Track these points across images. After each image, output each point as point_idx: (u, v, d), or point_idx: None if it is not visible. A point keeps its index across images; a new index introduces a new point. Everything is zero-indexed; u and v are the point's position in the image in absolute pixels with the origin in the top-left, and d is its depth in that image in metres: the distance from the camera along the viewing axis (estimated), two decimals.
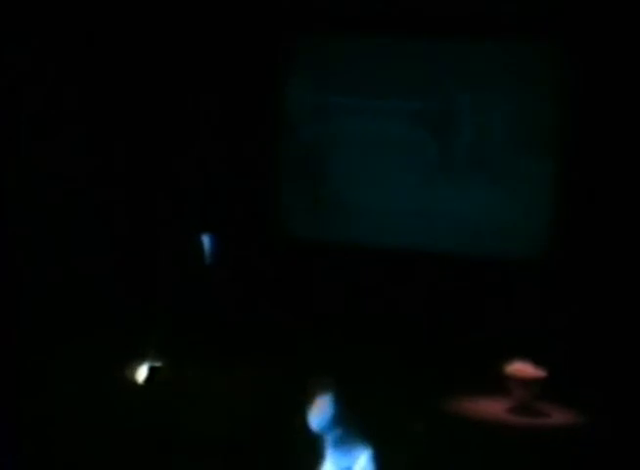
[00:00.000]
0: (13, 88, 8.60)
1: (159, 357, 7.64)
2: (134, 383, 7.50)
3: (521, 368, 7.90)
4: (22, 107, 8.78)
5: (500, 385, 7.91)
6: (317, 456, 5.54)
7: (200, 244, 9.87)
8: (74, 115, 9.47)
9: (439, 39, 9.48)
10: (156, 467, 6.22)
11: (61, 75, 9.32)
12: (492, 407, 7.84)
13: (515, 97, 9.40)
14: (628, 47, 8.79)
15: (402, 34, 9.51)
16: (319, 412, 5.23)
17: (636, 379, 8.08)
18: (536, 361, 7.87)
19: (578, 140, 9.08)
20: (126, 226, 9.87)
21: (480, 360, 8.10)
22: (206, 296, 9.52)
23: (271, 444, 6.55)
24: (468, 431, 7.18)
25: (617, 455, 6.75)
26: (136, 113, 9.81)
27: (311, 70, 9.94)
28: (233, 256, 9.88)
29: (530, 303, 9.02)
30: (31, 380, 6.93)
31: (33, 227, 8.84)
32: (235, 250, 9.90)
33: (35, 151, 8.98)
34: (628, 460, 6.66)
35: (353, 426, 5.52)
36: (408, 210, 9.73)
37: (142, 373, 7.56)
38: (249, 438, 6.67)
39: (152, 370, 7.55)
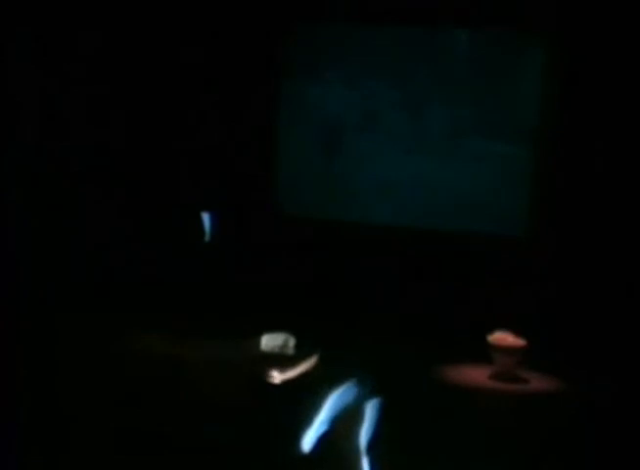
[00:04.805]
0: (13, 87, 8.78)
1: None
2: (138, 374, 7.58)
3: (501, 337, 8.38)
4: (22, 106, 8.95)
5: (482, 354, 8.37)
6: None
7: (200, 222, 10.27)
8: (75, 112, 9.77)
9: (437, 30, 9.94)
10: (160, 456, 6.50)
11: (61, 70, 9.60)
12: (475, 374, 8.32)
13: (504, 85, 9.85)
14: (617, 41, 9.18)
15: (399, 25, 9.92)
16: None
17: (612, 348, 8.56)
18: (517, 331, 8.35)
19: (562, 123, 9.51)
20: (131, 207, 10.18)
21: (462, 331, 8.53)
22: (206, 271, 9.90)
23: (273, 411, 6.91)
24: (451, 396, 7.64)
25: (594, 418, 7.22)
26: (137, 99, 10.14)
27: (310, 57, 10.33)
28: (232, 233, 10.24)
29: (511, 277, 9.45)
30: (31, 380, 6.89)
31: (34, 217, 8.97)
32: (234, 227, 10.27)
33: (35, 150, 9.17)
34: (605, 423, 7.12)
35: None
36: (397, 183, 10.17)
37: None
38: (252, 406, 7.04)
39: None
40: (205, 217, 10.40)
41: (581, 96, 9.39)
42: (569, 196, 9.49)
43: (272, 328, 8.72)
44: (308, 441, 6.05)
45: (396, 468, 6.09)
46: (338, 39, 10.17)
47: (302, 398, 6.47)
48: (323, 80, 10.28)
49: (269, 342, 8.57)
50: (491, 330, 8.34)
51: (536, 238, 9.62)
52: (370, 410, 6.17)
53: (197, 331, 8.74)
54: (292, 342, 8.48)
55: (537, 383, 8.25)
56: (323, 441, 6.05)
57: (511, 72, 9.80)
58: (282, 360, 6.68)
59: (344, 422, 6.14)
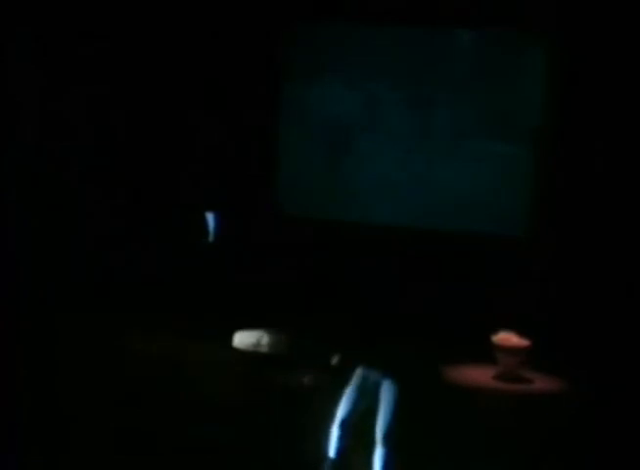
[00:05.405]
0: (13, 87, 8.79)
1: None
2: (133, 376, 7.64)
3: (506, 338, 8.38)
4: (22, 106, 8.97)
5: (483, 354, 8.38)
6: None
7: (201, 222, 10.30)
8: (75, 112, 9.78)
9: (437, 31, 9.96)
10: (160, 456, 6.48)
11: (61, 70, 9.62)
12: (477, 374, 8.33)
13: (505, 85, 9.85)
14: (617, 41, 9.18)
15: (399, 25, 9.94)
16: None
17: (613, 348, 8.57)
18: (519, 332, 8.36)
19: (563, 123, 9.52)
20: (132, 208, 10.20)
21: (462, 331, 8.53)
22: (206, 271, 9.93)
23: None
24: (453, 396, 7.64)
25: (596, 417, 7.23)
26: (137, 99, 10.15)
27: (310, 58, 10.31)
28: (232, 233, 10.27)
29: (512, 277, 9.45)
30: (31, 380, 6.99)
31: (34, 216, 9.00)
32: (234, 227, 10.29)
33: (35, 150, 9.21)
34: (605, 423, 7.13)
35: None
36: (397, 183, 10.15)
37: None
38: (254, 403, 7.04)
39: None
40: (206, 218, 10.43)
41: (581, 96, 9.39)
42: (569, 196, 9.48)
43: (272, 327, 8.76)
44: (328, 442, 6.10)
45: (398, 467, 6.10)
46: (338, 39, 10.17)
47: (306, 399, 6.50)
48: (323, 81, 10.27)
49: (243, 339, 8.59)
50: (492, 330, 8.34)
51: (536, 238, 9.62)
52: (384, 407, 6.18)
53: (197, 331, 8.78)
54: (265, 339, 8.49)
55: (541, 383, 8.26)
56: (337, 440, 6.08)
57: (511, 73, 9.81)
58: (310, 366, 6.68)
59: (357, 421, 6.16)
